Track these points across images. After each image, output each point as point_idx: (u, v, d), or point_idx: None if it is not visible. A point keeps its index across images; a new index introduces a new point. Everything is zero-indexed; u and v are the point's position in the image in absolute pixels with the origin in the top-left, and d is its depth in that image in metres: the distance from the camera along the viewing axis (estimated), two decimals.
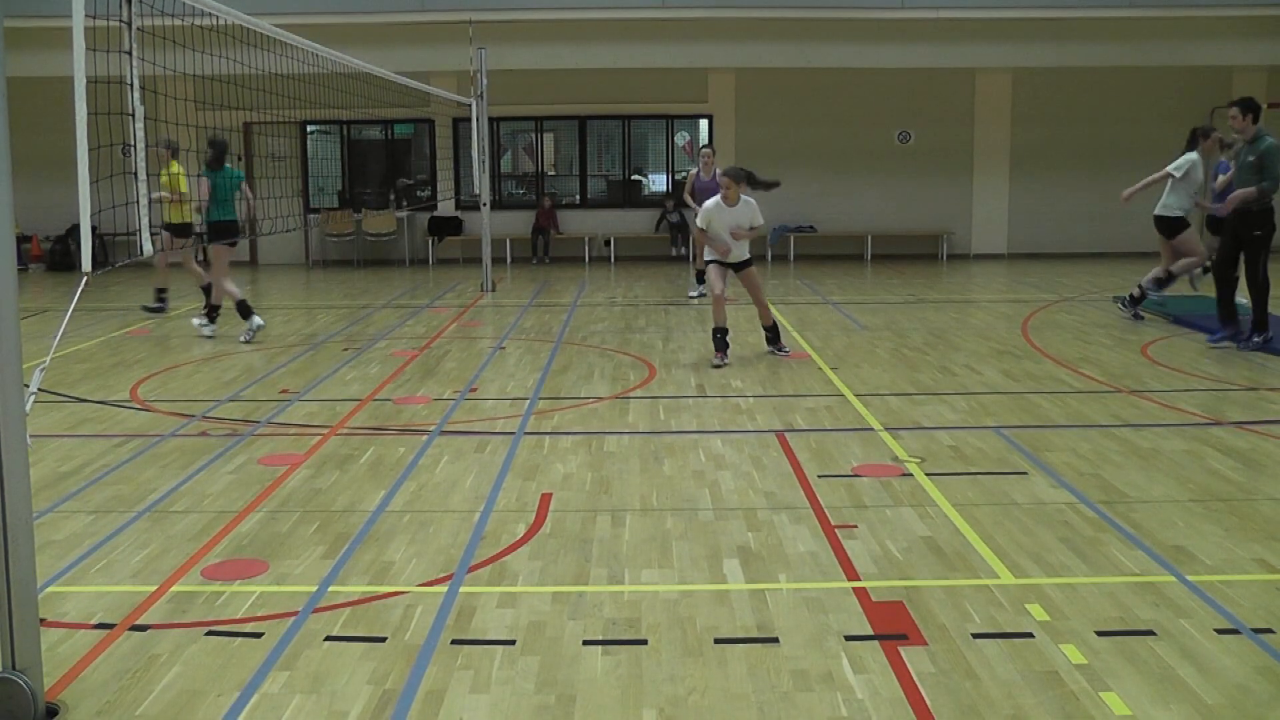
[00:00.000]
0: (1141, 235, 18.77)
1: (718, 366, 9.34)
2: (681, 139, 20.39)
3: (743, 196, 9.45)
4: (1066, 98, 19.24)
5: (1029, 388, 8.49)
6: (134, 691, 3.72)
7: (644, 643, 4.07)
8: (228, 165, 11.12)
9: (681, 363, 9.71)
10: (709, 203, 9.55)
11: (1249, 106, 9.67)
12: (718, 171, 13.39)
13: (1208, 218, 12.08)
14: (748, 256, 9.71)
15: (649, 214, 19.83)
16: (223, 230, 11.06)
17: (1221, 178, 11.86)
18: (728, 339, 9.61)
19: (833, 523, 5.38)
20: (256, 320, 11.07)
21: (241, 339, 10.91)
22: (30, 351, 5.53)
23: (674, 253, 19.39)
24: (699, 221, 9.70)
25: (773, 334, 9.92)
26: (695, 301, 13.65)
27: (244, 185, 11.24)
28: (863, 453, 6.64)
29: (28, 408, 3.54)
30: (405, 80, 13.45)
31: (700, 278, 13.56)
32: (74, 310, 4.80)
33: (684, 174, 20.52)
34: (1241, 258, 9.86)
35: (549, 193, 20.06)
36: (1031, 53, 18.13)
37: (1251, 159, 9.57)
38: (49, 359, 4.40)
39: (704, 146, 14.84)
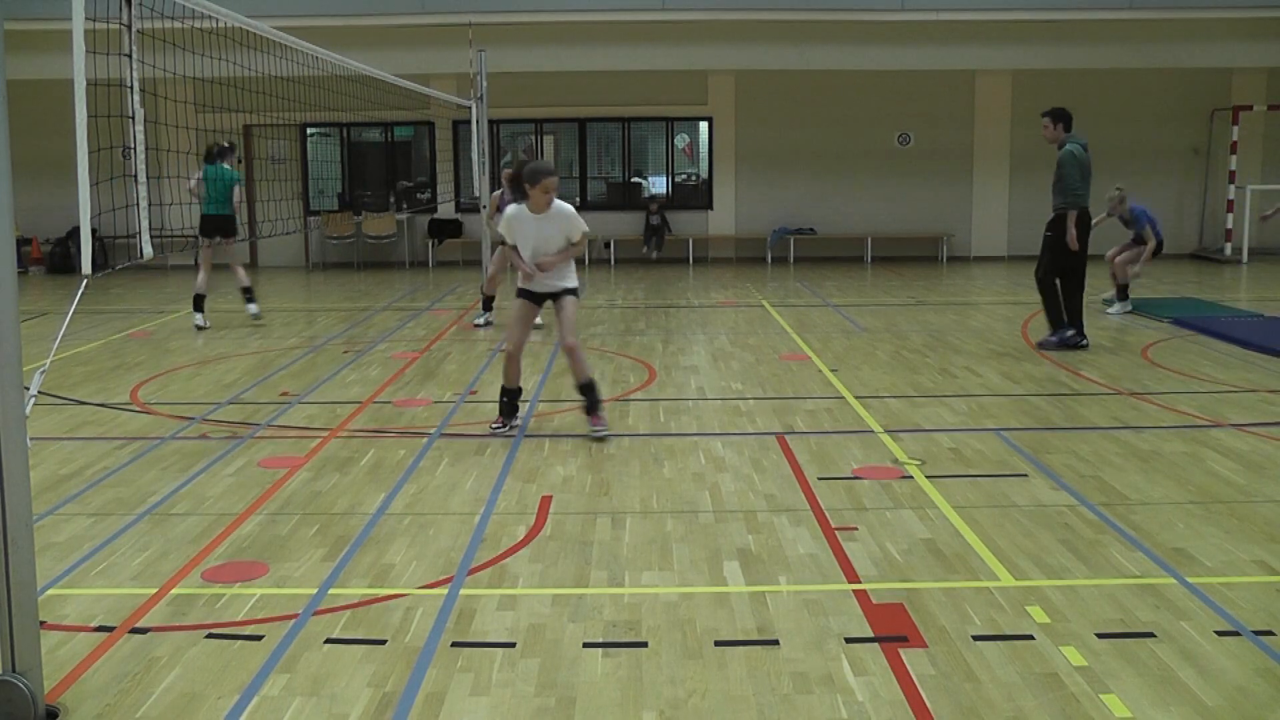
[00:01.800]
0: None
1: (495, 432, 7.26)
2: (681, 141, 20.40)
3: (555, 202, 7.07)
4: (1066, 99, 18.91)
5: (1029, 390, 8.49)
6: (134, 694, 3.72)
7: (644, 645, 4.07)
8: (223, 165, 11.97)
9: (681, 365, 9.71)
10: (510, 209, 7.18)
11: (1058, 116, 10.17)
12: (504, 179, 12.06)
13: None
14: (572, 284, 7.28)
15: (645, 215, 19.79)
16: (209, 225, 12.07)
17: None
18: (518, 403, 7.41)
19: (833, 525, 5.38)
20: (253, 308, 12.33)
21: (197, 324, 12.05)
22: (30, 354, 5.53)
23: (643, 251, 19.26)
24: (506, 235, 7.29)
25: (588, 397, 7.22)
26: (481, 331, 11.80)
27: (235, 187, 12.09)
28: (863, 455, 6.64)
29: (28, 410, 3.54)
30: (405, 83, 13.44)
31: (488, 303, 12.28)
32: (74, 313, 4.81)
33: (686, 175, 20.55)
34: (1079, 262, 10.11)
35: None
36: (1031, 54, 18.14)
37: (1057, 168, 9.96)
38: (49, 361, 4.40)
39: (504, 163, 12.42)
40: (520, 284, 7.33)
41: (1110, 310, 12.46)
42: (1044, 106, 19.81)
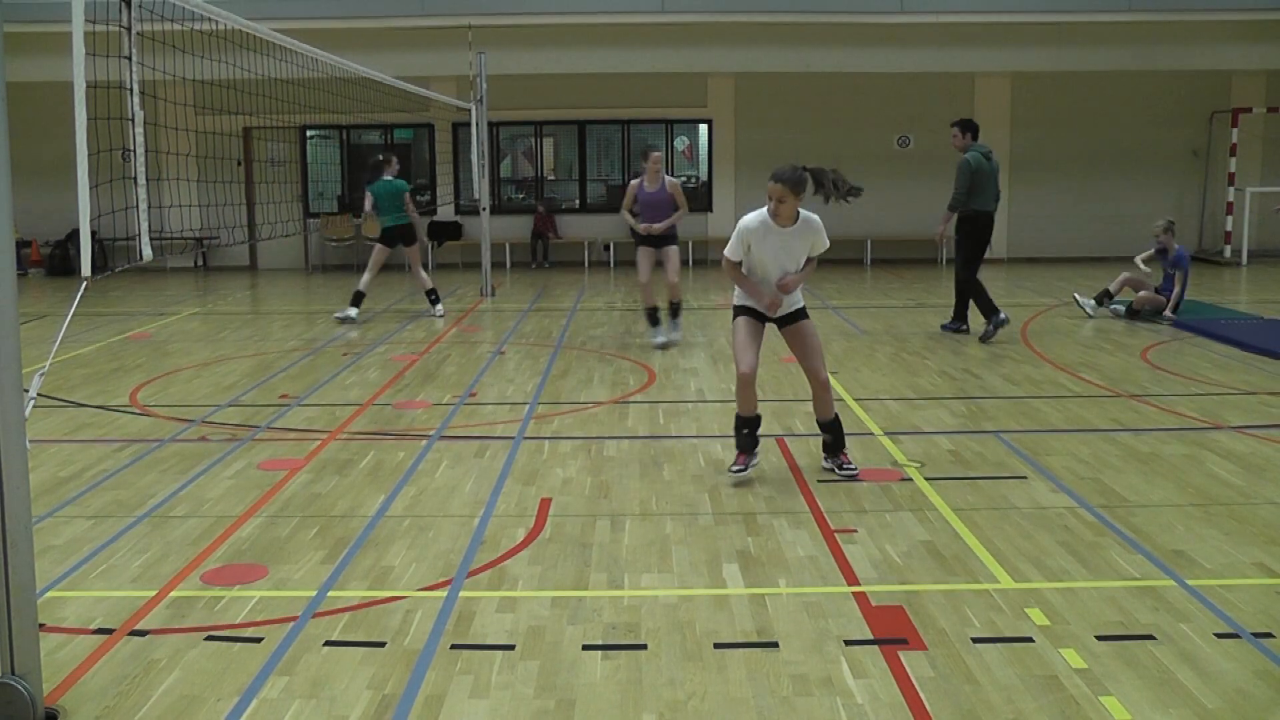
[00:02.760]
0: (1140, 240, 18.82)
1: (738, 471, 6.21)
2: (681, 143, 20.40)
3: (802, 213, 6.05)
4: (1065, 102, 19.25)
5: (1028, 392, 8.49)
6: (133, 697, 3.72)
7: (643, 647, 4.07)
8: (387, 177, 12.60)
9: (681, 367, 9.71)
10: (749, 219, 6.06)
11: (966, 126, 11.14)
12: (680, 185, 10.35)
13: None
14: (800, 304, 6.28)
15: None
16: (391, 236, 12.78)
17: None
18: (758, 434, 6.31)
19: (832, 527, 5.38)
20: (439, 309, 13.01)
21: (436, 314, 12.97)
22: (30, 356, 5.53)
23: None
24: (730, 250, 6.15)
25: (833, 434, 6.34)
26: (660, 351, 10.50)
27: (405, 195, 12.67)
28: (862, 457, 6.64)
29: (27, 412, 3.54)
30: (405, 85, 13.46)
31: (654, 316, 10.79)
32: (73, 315, 4.81)
33: (685, 177, 20.54)
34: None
35: (548, 197, 20.10)
36: (1030, 57, 18.15)
37: None
38: (48, 364, 4.40)
39: (653, 149, 10.88)
40: (739, 300, 6.27)
41: (1111, 307, 12.50)
42: (1043, 109, 20.05)
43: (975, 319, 11.18)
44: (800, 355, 6.30)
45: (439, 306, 13.05)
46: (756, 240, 6.05)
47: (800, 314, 6.26)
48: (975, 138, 11.10)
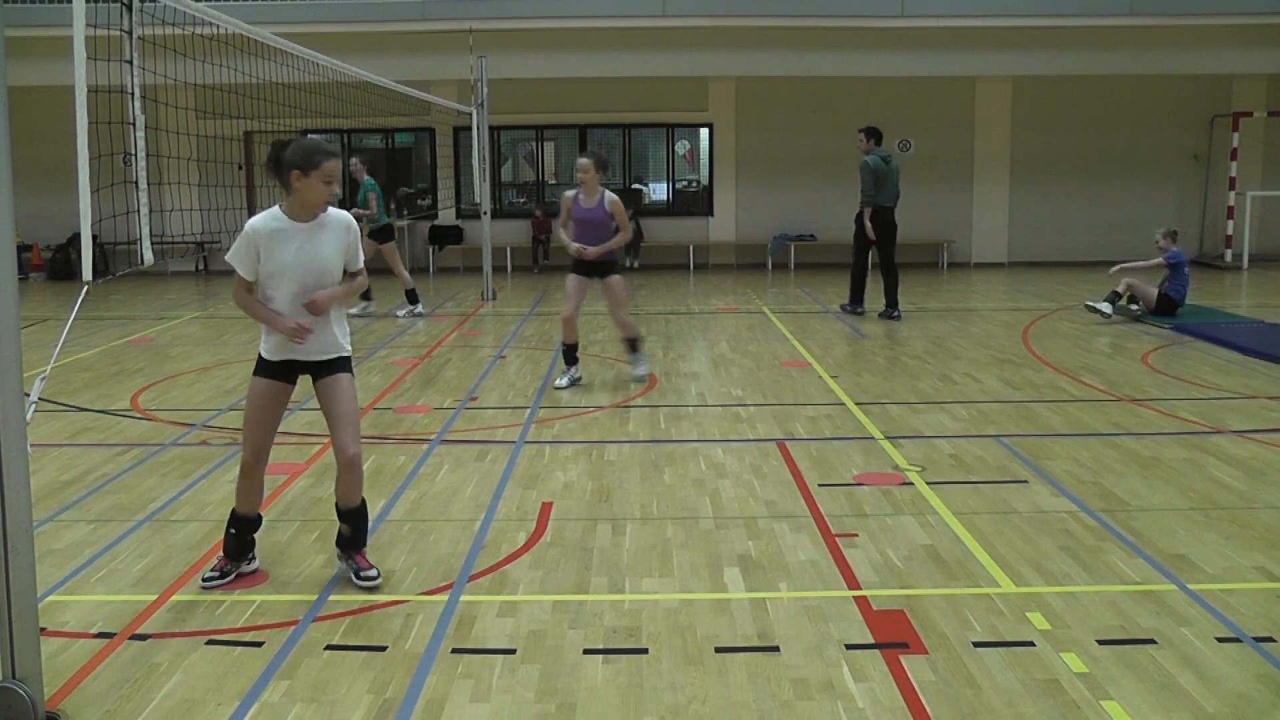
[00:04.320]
0: (1141, 243, 18.84)
1: (210, 583, 4.70)
2: (682, 148, 20.41)
3: (332, 211, 4.62)
4: (1066, 105, 19.27)
5: (1029, 396, 8.49)
6: (134, 700, 3.72)
7: (644, 651, 4.07)
8: (369, 178, 13.30)
9: (682, 371, 9.71)
10: (257, 219, 4.53)
11: (871, 133, 12.67)
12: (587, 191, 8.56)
13: None
14: (344, 351, 4.77)
15: (649, 222, 19.79)
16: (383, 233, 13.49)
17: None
18: (252, 538, 4.86)
19: (833, 531, 5.38)
20: (418, 308, 13.54)
21: (399, 314, 13.48)
22: (31, 360, 5.53)
23: (628, 264, 19.32)
24: (238, 265, 4.53)
25: (354, 526, 4.73)
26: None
27: (369, 195, 13.24)
28: (863, 461, 6.64)
29: (28, 416, 3.54)
30: (406, 89, 13.47)
31: (571, 354, 8.96)
32: (74, 319, 4.81)
33: (686, 182, 20.57)
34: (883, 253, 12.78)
35: (550, 200, 20.12)
36: (1031, 60, 18.16)
37: None
38: (49, 368, 4.40)
39: (584, 155, 8.70)
40: (266, 350, 4.65)
41: (1101, 306, 12.56)
42: (1044, 113, 20.09)
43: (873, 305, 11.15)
44: (328, 418, 4.68)
45: (420, 306, 13.63)
46: (267, 247, 4.49)
47: (339, 365, 4.70)
48: (879, 143, 12.61)
